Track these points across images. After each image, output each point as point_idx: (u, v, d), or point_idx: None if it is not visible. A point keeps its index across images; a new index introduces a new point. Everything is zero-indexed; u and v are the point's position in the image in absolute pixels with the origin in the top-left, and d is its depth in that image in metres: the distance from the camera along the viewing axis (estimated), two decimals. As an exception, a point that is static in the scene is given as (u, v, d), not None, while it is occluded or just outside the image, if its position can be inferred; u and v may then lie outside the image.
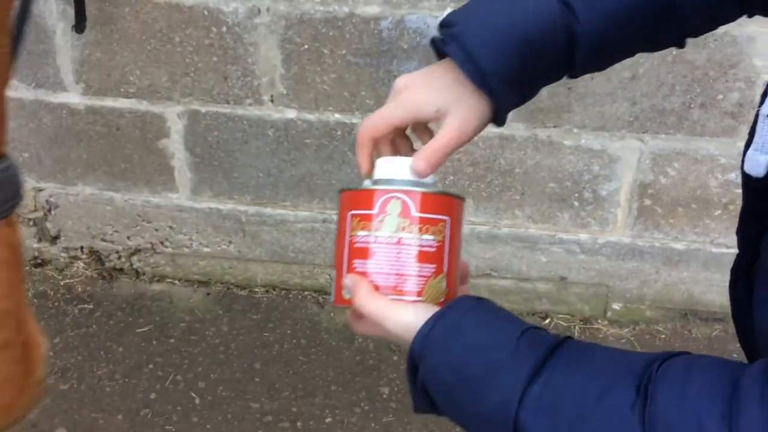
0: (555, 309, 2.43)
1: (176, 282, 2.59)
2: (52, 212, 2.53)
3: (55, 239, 2.60)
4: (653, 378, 0.61)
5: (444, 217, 0.77)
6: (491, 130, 2.11)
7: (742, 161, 0.68)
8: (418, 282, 0.75)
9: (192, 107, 2.24)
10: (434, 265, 0.76)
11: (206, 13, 2.09)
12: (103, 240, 2.57)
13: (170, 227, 2.49)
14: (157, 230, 2.51)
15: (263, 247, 2.47)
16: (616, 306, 2.40)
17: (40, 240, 2.60)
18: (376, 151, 0.84)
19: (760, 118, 0.65)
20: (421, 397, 0.73)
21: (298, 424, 2.05)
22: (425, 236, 0.76)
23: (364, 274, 0.76)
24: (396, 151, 0.86)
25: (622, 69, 2.00)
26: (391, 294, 0.75)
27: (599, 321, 2.41)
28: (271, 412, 2.09)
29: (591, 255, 2.31)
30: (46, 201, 2.51)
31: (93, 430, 2.03)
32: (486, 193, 2.25)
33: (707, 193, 2.17)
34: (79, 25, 2.02)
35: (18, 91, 2.28)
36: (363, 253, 0.76)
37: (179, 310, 2.47)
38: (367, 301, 0.74)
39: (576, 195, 2.21)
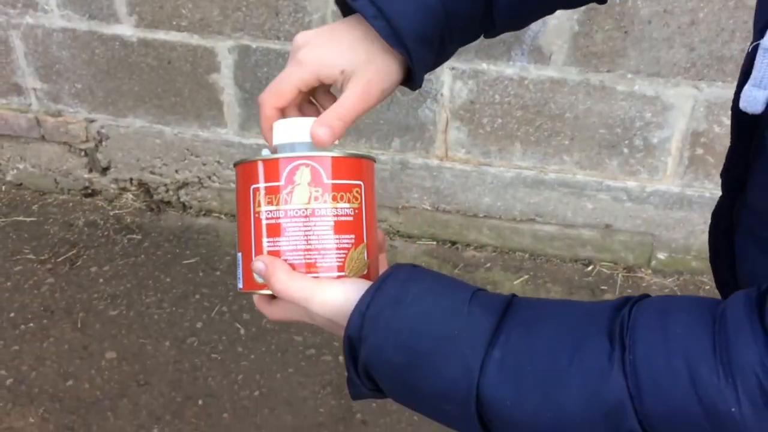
0: (598, 256, 2.42)
1: (222, 216, 2.63)
2: (103, 143, 2.57)
3: (105, 170, 2.64)
4: (627, 325, 0.58)
5: (358, 182, 0.70)
6: (544, 72, 2.09)
7: (735, 99, 0.63)
8: (338, 256, 0.69)
9: (243, 42, 2.24)
10: (353, 236, 0.69)
11: (259, -54, 2.08)
12: (152, 173, 2.61)
13: (218, 162, 2.52)
14: (204, 165, 2.54)
15: (309, 185, 2.48)
16: (661, 255, 2.38)
17: (90, 170, 2.65)
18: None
19: (760, 52, 0.59)
20: (363, 382, 0.66)
21: (340, 358, 2.09)
22: (340, 204, 0.69)
23: (276, 253, 0.68)
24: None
25: (681, 13, 1.95)
26: (310, 272, 0.68)
27: (643, 270, 2.40)
28: (313, 345, 2.13)
29: (638, 203, 2.28)
30: (98, 132, 2.54)
31: (141, 355, 2.09)
32: (534, 137, 2.22)
33: (762, 145, 2.12)
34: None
35: (71, 21, 2.29)
36: (272, 231, 0.69)
37: (225, 243, 2.51)
38: (286, 284, 0.66)
39: (626, 142, 2.18)
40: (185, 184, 2.61)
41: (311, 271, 0.68)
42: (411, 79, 0.75)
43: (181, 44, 2.28)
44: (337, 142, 0.71)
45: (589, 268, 2.41)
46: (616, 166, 2.23)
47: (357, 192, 0.70)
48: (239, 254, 0.72)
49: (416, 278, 0.65)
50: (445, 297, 0.63)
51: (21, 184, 2.72)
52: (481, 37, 0.81)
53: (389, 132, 2.31)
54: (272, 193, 0.68)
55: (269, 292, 0.69)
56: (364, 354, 0.63)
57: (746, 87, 0.60)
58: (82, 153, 2.60)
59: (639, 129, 2.15)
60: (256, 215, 0.69)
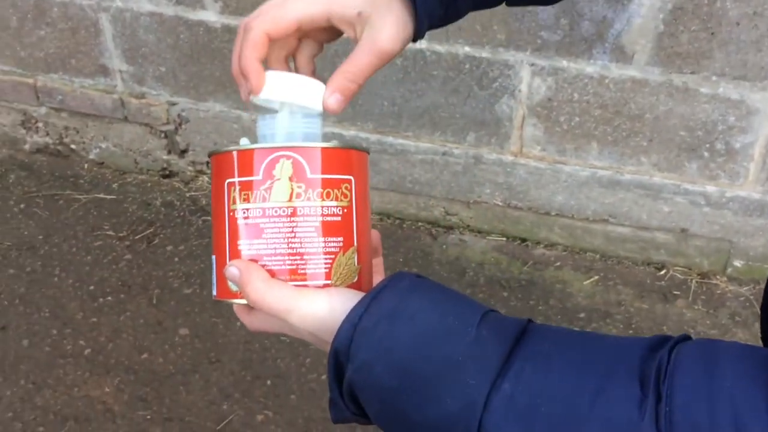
0: (672, 261, 2.38)
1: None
2: (183, 126, 2.63)
3: (183, 152, 2.71)
4: (665, 369, 0.49)
5: (348, 177, 0.62)
6: (625, 72, 2.06)
7: None
8: (324, 261, 0.60)
9: (324, 31, 2.26)
10: (341, 238, 0.61)
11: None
12: (229, 157, 2.66)
13: (293, 149, 2.56)
14: (280, 151, 2.58)
15: (382, 176, 2.50)
16: (737, 263, 2.33)
17: (169, 152, 2.72)
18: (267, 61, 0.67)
19: None
20: (347, 404, 0.58)
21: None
22: (327, 202, 0.61)
23: (253, 259, 0.60)
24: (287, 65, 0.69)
25: (772, 16, 1.90)
26: (292, 280, 0.60)
27: (718, 277, 2.35)
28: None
29: (716, 208, 2.24)
30: (178, 115, 2.61)
31: (212, 332, 2.15)
32: (612, 137, 2.20)
33: None
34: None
35: (159, 6, 2.36)
36: (249, 232, 0.60)
37: (297, 229, 2.55)
38: (263, 293, 0.58)
39: (707, 145, 2.14)
40: (260, 170, 2.65)
41: (293, 279, 0.60)
42: (417, 26, 0.67)
43: (264, 31, 2.31)
44: (320, 121, 0.65)
45: (662, 272, 2.37)
46: (696, 169, 2.19)
47: (346, 188, 0.62)
48: (213, 257, 0.64)
49: (419, 291, 0.57)
50: (451, 316, 0.55)
51: (103, 163, 2.81)
52: (503, 3, 0.74)
53: (465, 126, 2.31)
54: (249, 188, 0.60)
55: (244, 301, 0.61)
56: (351, 372, 0.55)
57: None
58: (162, 135, 2.67)
59: (721, 132, 2.11)
60: (231, 214, 0.61)
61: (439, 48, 2.19)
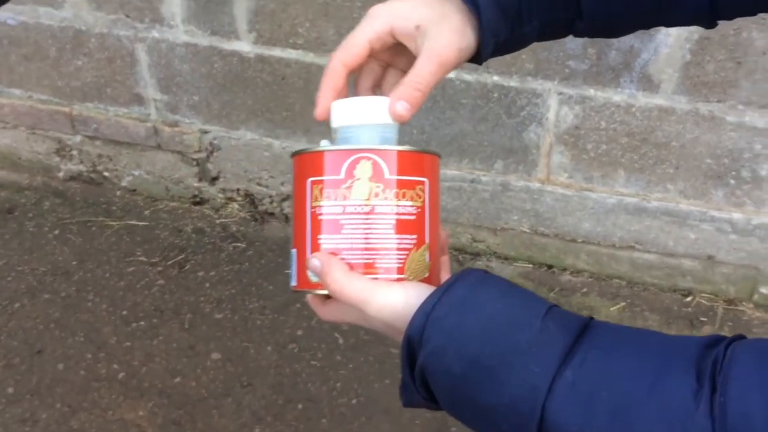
0: (699, 287, 2.40)
1: (323, 229, 2.70)
2: (215, 154, 2.69)
3: (214, 180, 2.76)
4: (721, 363, 0.52)
5: (422, 179, 0.66)
6: (652, 100, 2.10)
7: None
8: (398, 257, 0.64)
9: (354, 61, 2.31)
10: (415, 236, 0.65)
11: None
12: (258, 184, 2.71)
13: (322, 176, 2.60)
14: (309, 178, 2.62)
15: (409, 202, 2.54)
16: (764, 290, 2.34)
17: (200, 180, 2.77)
18: (345, 87, 0.72)
19: None
20: (417, 389, 0.61)
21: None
22: (402, 202, 0.65)
23: (333, 252, 0.65)
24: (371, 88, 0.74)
25: (797, 45, 1.94)
26: (368, 273, 0.64)
27: (744, 303, 2.36)
28: (409, 360, 2.17)
29: (743, 235, 2.26)
30: (210, 143, 2.66)
31: (244, 357, 2.18)
32: (639, 164, 2.23)
33: None
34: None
35: (194, 36, 2.42)
36: (330, 227, 0.65)
37: (325, 255, 2.58)
38: (344, 284, 0.62)
39: (733, 173, 2.16)
40: (289, 197, 2.70)
41: (369, 272, 0.64)
42: (481, 46, 0.70)
43: (296, 61, 2.37)
44: (396, 128, 0.68)
45: (689, 298, 2.38)
46: (722, 196, 2.21)
47: (420, 189, 0.66)
48: (293, 251, 0.68)
49: (488, 284, 0.61)
50: (518, 308, 0.59)
51: (135, 190, 2.86)
52: (570, 35, 0.76)
53: (493, 153, 2.35)
54: (330, 187, 0.65)
55: (324, 291, 0.65)
56: (423, 357, 0.58)
57: None
58: (194, 162, 2.73)
59: (747, 160, 2.13)
60: (313, 210, 0.66)
61: (468, 77, 2.23)
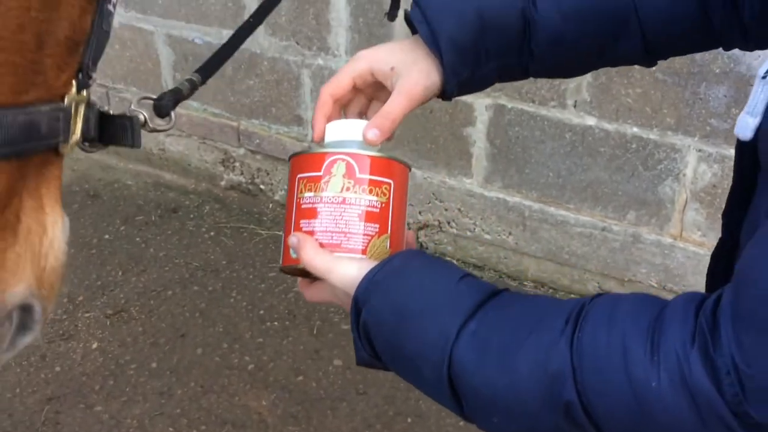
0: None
1: (455, 261, 2.81)
2: (361, 178, 2.86)
3: (358, 202, 2.93)
4: (584, 310, 0.66)
5: (388, 180, 0.79)
6: None
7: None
8: (362, 240, 0.77)
9: (499, 101, 2.43)
10: (377, 225, 0.78)
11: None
12: (399, 210, 2.85)
13: (459, 209, 2.72)
14: (446, 210, 2.75)
15: (540, 244, 2.61)
16: None
17: (345, 201, 2.95)
18: (335, 114, 0.87)
19: (757, 80, 0.65)
20: (363, 345, 0.74)
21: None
22: (369, 197, 0.78)
23: (309, 233, 0.78)
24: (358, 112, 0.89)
25: None
26: (336, 251, 0.77)
27: None
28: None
29: None
30: (358, 167, 2.84)
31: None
32: None
33: None
34: (392, 12, 2.29)
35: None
36: (309, 214, 0.78)
37: (453, 285, 2.68)
38: (312, 257, 0.76)
39: None
40: (426, 226, 2.83)
41: (337, 251, 0.77)
42: (445, 85, 0.84)
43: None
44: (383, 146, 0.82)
45: None
46: None
47: (386, 189, 0.79)
48: (282, 234, 0.83)
49: (421, 258, 0.75)
50: (441, 274, 0.73)
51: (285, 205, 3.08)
52: (530, 77, 0.89)
53: (626, 204, 2.38)
54: (313, 181, 0.78)
55: (301, 266, 0.78)
56: (365, 314, 0.72)
57: (741, 114, 0.68)
58: (342, 184, 2.91)
59: None
60: (298, 200, 0.80)
61: (608, 126, 2.29)
